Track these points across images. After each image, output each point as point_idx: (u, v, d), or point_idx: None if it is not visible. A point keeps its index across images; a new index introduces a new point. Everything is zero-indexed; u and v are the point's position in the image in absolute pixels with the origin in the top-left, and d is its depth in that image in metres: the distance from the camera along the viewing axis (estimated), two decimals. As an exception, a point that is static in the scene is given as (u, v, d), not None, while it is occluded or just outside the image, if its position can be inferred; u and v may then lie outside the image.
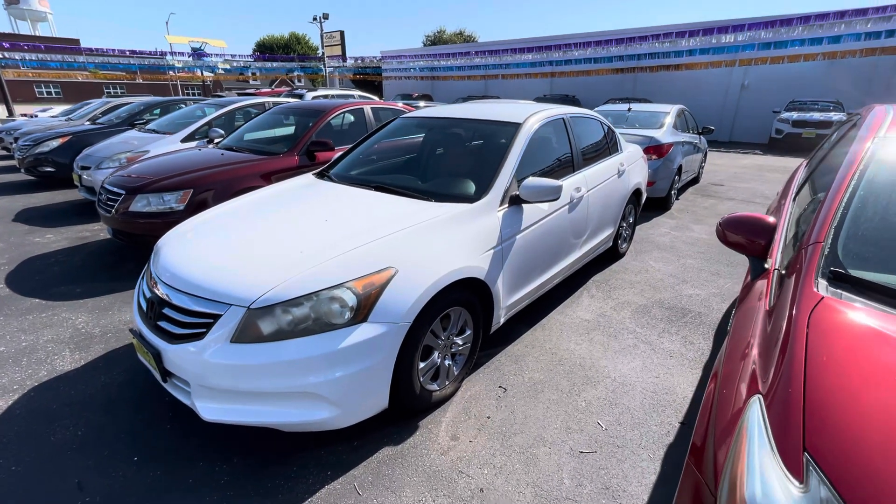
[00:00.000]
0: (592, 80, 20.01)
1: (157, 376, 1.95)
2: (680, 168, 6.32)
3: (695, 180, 8.29)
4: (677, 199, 6.93)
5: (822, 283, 1.23)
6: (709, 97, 17.62)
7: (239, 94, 12.96)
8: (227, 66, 32.11)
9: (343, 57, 31.23)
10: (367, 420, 1.96)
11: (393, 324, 1.86)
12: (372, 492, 1.80)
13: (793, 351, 1.06)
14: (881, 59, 14.09)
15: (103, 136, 7.36)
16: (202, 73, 32.71)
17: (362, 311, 1.81)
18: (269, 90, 15.52)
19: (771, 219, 1.63)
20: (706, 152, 8.66)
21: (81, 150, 7.13)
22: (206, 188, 3.90)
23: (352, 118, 5.24)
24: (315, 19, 29.07)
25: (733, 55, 15.96)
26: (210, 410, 1.82)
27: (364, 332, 1.80)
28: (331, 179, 3.06)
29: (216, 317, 1.78)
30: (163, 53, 30.21)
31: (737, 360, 1.24)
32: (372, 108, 5.48)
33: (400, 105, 6.04)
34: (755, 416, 0.99)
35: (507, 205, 2.54)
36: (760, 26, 15.20)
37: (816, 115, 12.84)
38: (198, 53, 29.28)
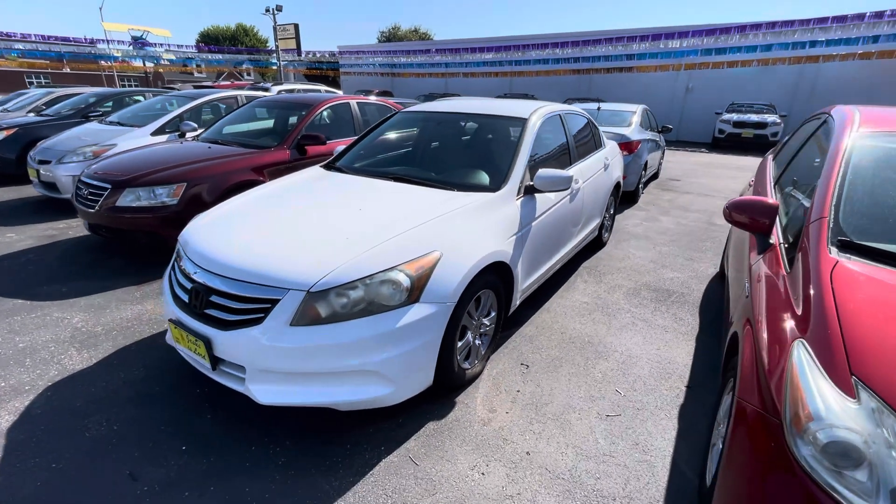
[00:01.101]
0: (551, 79, 20.71)
1: (206, 364, 1.96)
2: (646, 164, 6.79)
3: (655, 176, 8.88)
4: (642, 192, 7.42)
5: (833, 249, 1.49)
6: (658, 98, 18.73)
7: (196, 87, 12.37)
8: (173, 57, 30.25)
9: (298, 51, 30.34)
10: (406, 399, 2.05)
11: (441, 304, 1.98)
12: (428, 461, 1.92)
13: (823, 302, 1.30)
14: (805, 66, 15.62)
15: (55, 128, 6.84)
16: (144, 64, 30.63)
17: (415, 292, 1.92)
18: (229, 83, 14.89)
19: (772, 201, 1.89)
20: (664, 149, 9.29)
21: (29, 144, 6.62)
22: (200, 182, 3.80)
23: (339, 112, 5.23)
24: (267, 11, 28.04)
25: (679, 60, 17.11)
26: (267, 393, 1.86)
27: (417, 312, 1.90)
28: (343, 171, 3.11)
29: (273, 301, 1.83)
30: (93, 41, 27.92)
31: (768, 315, 1.47)
32: (358, 102, 5.49)
33: (386, 101, 6.07)
34: (803, 355, 1.21)
35: (522, 195, 2.72)
36: (703, 33, 16.40)
37: (753, 117, 14.04)
38: (139, 42, 27.38)
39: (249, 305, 1.87)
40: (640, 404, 2.32)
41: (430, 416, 2.19)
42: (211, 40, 49.17)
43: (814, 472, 1.03)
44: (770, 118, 13.79)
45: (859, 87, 15.28)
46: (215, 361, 1.94)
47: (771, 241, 1.89)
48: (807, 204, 1.83)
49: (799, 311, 1.36)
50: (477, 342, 2.44)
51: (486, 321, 2.48)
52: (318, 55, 31.72)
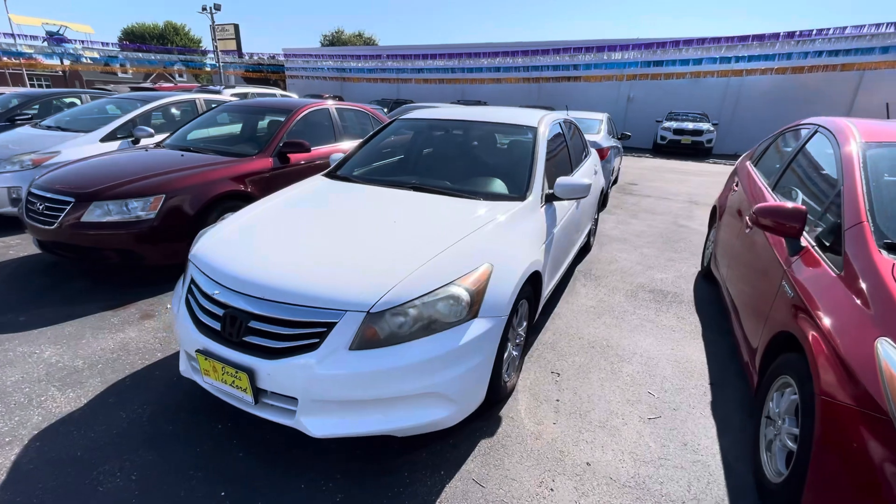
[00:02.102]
0: (502, 87, 21.22)
1: (247, 398, 1.77)
2: (613, 169, 7.11)
3: (615, 181, 9.34)
4: (609, 197, 7.76)
5: (883, 252, 1.61)
6: (603, 107, 19.67)
7: (133, 90, 11.38)
8: (96, 55, 27.68)
9: (239, 52, 28.94)
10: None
11: (497, 317, 1.92)
12: (492, 482, 1.85)
13: (894, 300, 1.40)
14: (731, 79, 17.17)
15: (-26, 133, 5.98)
16: (62, 62, 27.76)
17: (474, 306, 1.85)
18: (171, 85, 13.86)
19: (802, 206, 2.02)
20: (622, 155, 9.80)
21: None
22: (179, 193, 3.47)
23: (318, 118, 5.00)
24: (204, 10, 26.50)
25: (621, 71, 18.19)
26: (322, 426, 1.72)
27: (477, 327, 1.84)
28: (352, 180, 2.96)
29: (329, 325, 1.69)
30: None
31: (836, 317, 1.56)
32: (337, 108, 5.29)
33: (364, 107, 5.90)
34: (892, 351, 1.29)
35: (544, 203, 2.73)
36: (642, 47, 17.55)
37: (690, 125, 15.21)
38: (56, 39, 24.74)
39: (300, 331, 1.71)
40: (675, 404, 2.39)
41: (480, 433, 2.12)
42: (136, 38, 45.55)
43: None
44: (705, 126, 14.99)
45: (776, 99, 17.04)
46: (257, 394, 1.75)
47: (803, 245, 2.02)
48: (818, 208, 1.98)
49: (871, 311, 1.45)
50: (514, 353, 2.40)
51: (520, 331, 2.45)
52: (257, 57, 30.36)
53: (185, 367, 2.05)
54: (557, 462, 1.97)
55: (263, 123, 4.84)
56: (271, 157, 4.25)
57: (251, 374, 1.71)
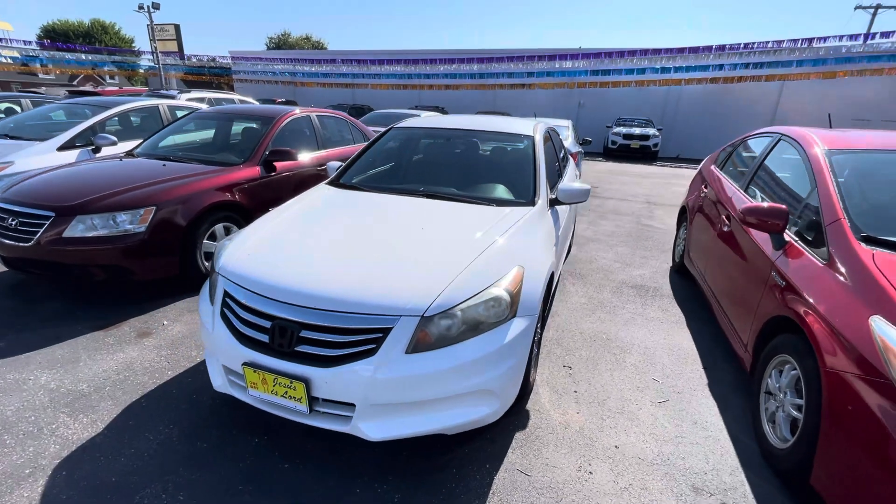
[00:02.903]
0: (458, 93, 21.58)
1: (301, 408, 1.78)
2: (579, 174, 7.50)
3: (577, 183, 9.82)
4: (575, 199, 8.16)
5: (862, 244, 1.90)
6: (555, 113, 20.60)
7: (72, 93, 10.56)
8: (16, 54, 25.25)
9: (181, 54, 27.47)
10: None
11: (531, 316, 2.05)
12: (537, 471, 1.97)
13: (879, 284, 1.67)
14: (671, 88, 18.50)
15: None
16: (-26, 61, 25.07)
17: (513, 307, 1.96)
18: (115, 89, 12.95)
19: (784, 206, 2.32)
20: (583, 160, 10.32)
21: None
22: (170, 204, 3.34)
23: (300, 126, 4.94)
24: (141, 8, 24.97)
25: (572, 78, 19.08)
26: (378, 429, 1.77)
27: (517, 326, 1.96)
28: (360, 189, 2.99)
29: (384, 330, 1.74)
30: None
31: (829, 300, 1.82)
32: (318, 115, 5.25)
33: (340, 113, 5.87)
34: (885, 326, 1.54)
35: (549, 207, 2.90)
36: (590, 56, 18.52)
37: (637, 130, 16.22)
38: (-33, 35, 22.31)
39: (355, 337, 1.75)
40: (678, 388, 2.62)
41: (513, 427, 2.23)
42: (58, 36, 42.00)
43: None
44: (651, 131, 16.05)
45: (711, 105, 18.56)
46: (311, 403, 1.77)
47: (786, 240, 2.31)
48: (794, 208, 2.29)
49: (860, 294, 1.72)
50: (535, 350, 2.54)
51: (538, 328, 2.60)
52: (195, 59, 28.85)
53: (220, 382, 2.01)
54: (589, 447, 2.12)
55: (243, 131, 4.71)
56: (258, 165, 4.16)
57: (307, 383, 1.73)
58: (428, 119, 3.85)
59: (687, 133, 19.62)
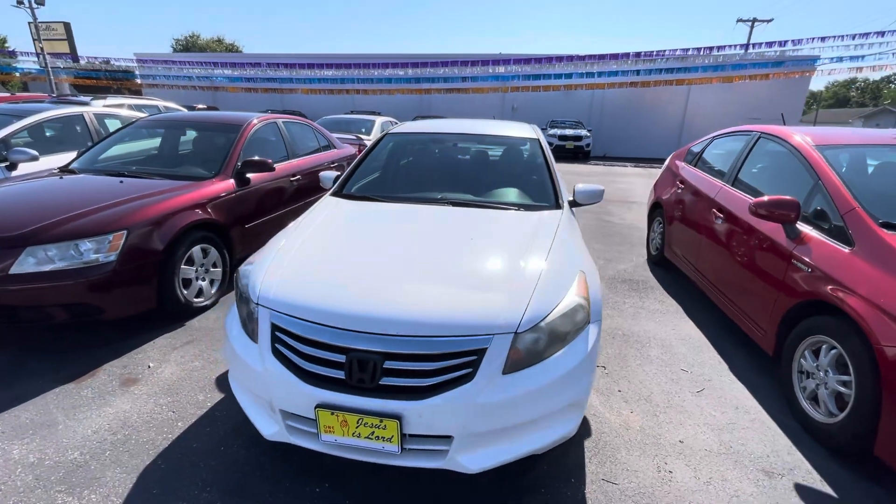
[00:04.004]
0: (394, 98, 21.38)
1: (391, 449, 1.59)
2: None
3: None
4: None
5: (882, 230, 2.10)
6: (490, 116, 21.23)
7: (-52, 99, 8.87)
8: None
9: (74, 56, 24.35)
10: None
11: (599, 320, 2.02)
12: (622, 478, 1.94)
13: (917, 267, 1.85)
14: (596, 92, 19.81)
15: None
16: None
17: (588, 314, 1.92)
18: (6, 95, 11.12)
19: (795, 198, 2.51)
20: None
21: None
22: (142, 227, 2.89)
23: (267, 133, 4.54)
24: (21, 3, 21.78)
25: (505, 83, 19.71)
26: (477, 460, 1.63)
27: (592, 332, 1.91)
28: (374, 199, 2.79)
29: (479, 352, 1.61)
30: None
31: (865, 282, 1.98)
32: (284, 122, 4.86)
33: (304, 119, 5.49)
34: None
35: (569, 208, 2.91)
36: (522, 62, 19.26)
37: (570, 132, 17.14)
38: None
39: (448, 363, 1.60)
40: (707, 376, 2.74)
41: (579, 436, 2.19)
42: None
43: None
44: (583, 132, 17.05)
45: (631, 108, 20.14)
46: (402, 441, 1.59)
47: (799, 230, 2.51)
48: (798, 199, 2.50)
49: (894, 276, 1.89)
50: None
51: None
52: (90, 62, 25.67)
53: (275, 430, 1.74)
54: (657, 446, 2.14)
55: (206, 141, 4.23)
56: (231, 178, 3.75)
57: (399, 419, 1.55)
58: (421, 125, 3.70)
59: (611, 133, 21.12)
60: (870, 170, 2.70)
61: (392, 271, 1.91)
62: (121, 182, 3.34)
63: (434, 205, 2.67)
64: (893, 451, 1.80)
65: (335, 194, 2.95)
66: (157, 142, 4.47)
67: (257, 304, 1.82)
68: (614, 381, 2.66)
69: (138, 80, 25.20)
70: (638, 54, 17.77)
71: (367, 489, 1.84)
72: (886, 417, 1.80)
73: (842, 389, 2.07)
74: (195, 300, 3.31)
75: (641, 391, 2.57)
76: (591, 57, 18.08)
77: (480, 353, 1.61)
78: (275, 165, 4.17)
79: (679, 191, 4.29)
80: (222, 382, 2.53)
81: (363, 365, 1.59)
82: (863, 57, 15.44)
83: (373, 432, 1.58)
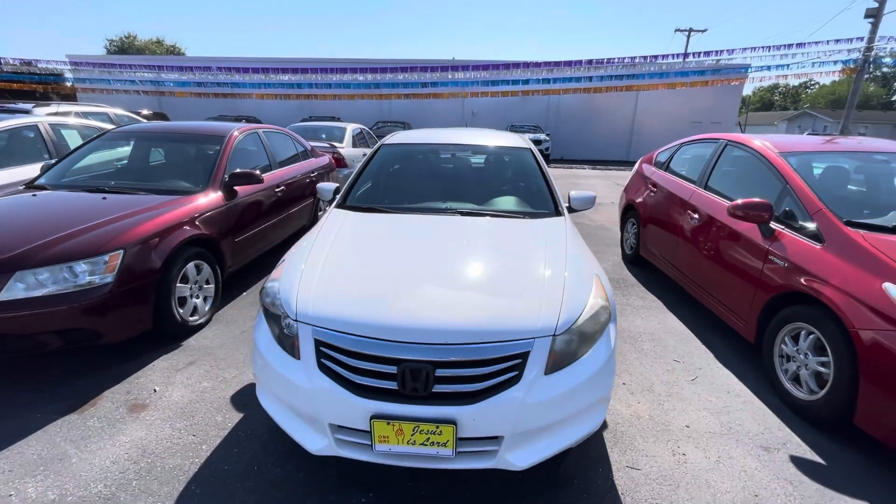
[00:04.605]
0: (354, 103, 21.16)
1: (445, 453, 1.65)
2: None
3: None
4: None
5: (847, 227, 2.40)
6: (452, 122, 21.49)
7: None
8: None
9: (-6, 57, 22.26)
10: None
11: (615, 319, 2.18)
12: (643, 464, 2.10)
13: (881, 259, 2.14)
14: (552, 97, 20.55)
15: None
16: None
17: (609, 314, 2.07)
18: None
19: (768, 200, 2.80)
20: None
21: None
22: (139, 245, 2.77)
23: (248, 144, 4.43)
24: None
25: (465, 88, 19.99)
26: (524, 457, 1.74)
27: (612, 331, 2.06)
28: (383, 211, 2.83)
29: (523, 355, 1.71)
30: None
31: (836, 275, 2.27)
32: (264, 131, 4.77)
33: (281, 128, 5.38)
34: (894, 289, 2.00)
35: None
36: (480, 68, 19.65)
37: (530, 135, 17.67)
38: None
39: (496, 367, 1.69)
40: (697, 365, 2.99)
41: (598, 430, 2.33)
42: None
43: None
44: (542, 136, 17.65)
45: (585, 113, 21.05)
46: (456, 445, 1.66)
47: (773, 228, 2.80)
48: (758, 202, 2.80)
49: (866, 269, 2.18)
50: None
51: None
52: (9, 63, 23.50)
53: (323, 445, 1.76)
54: (667, 432, 2.33)
55: (187, 152, 4.08)
56: (220, 191, 3.66)
57: (455, 424, 1.62)
58: (414, 135, 3.77)
59: (568, 137, 21.96)
60: (826, 174, 3.05)
61: (424, 282, 1.97)
62: (104, 198, 3.18)
63: (442, 215, 2.76)
64: (871, 420, 2.07)
65: (341, 206, 2.96)
66: (125, 154, 4.26)
67: (296, 320, 1.84)
68: (617, 374, 2.85)
69: (69, 84, 23.42)
70: (590, 61, 18.61)
71: (411, 495, 1.89)
72: (864, 391, 2.08)
73: (821, 369, 2.34)
74: (190, 318, 3.20)
75: (643, 382, 2.77)
76: (546, 64, 18.73)
77: (524, 356, 1.72)
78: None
79: (652, 194, 4.60)
80: (238, 401, 2.48)
81: (416, 374, 1.65)
82: (788, 66, 17.02)
83: (428, 438, 1.64)
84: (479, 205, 2.99)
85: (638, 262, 4.97)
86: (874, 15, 16.31)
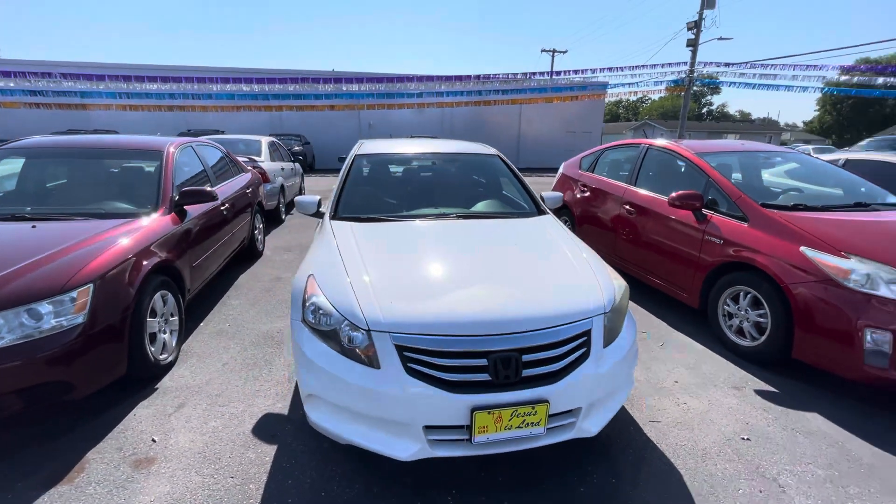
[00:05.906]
0: (240, 115, 19.62)
1: (537, 431, 1.79)
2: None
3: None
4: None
5: (763, 209, 3.10)
6: (347, 133, 21.20)
7: None
8: None
9: None
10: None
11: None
12: (661, 416, 2.47)
13: (794, 229, 2.84)
14: (445, 109, 21.46)
15: None
16: None
17: (628, 292, 2.40)
18: None
19: (699, 192, 3.46)
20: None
21: None
22: (108, 277, 2.38)
23: (185, 159, 3.97)
24: None
25: (360, 101, 19.86)
26: (596, 422, 1.96)
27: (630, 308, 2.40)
28: (381, 220, 2.83)
29: (586, 333, 1.93)
30: None
31: (766, 244, 2.93)
32: (196, 144, 4.31)
33: (209, 141, 4.88)
34: (811, 252, 2.68)
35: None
36: (374, 80, 19.71)
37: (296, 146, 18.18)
38: None
39: (569, 346, 1.88)
40: (660, 335, 3.53)
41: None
42: None
43: (857, 286, 2.47)
44: (298, 147, 18.21)
45: (475, 124, 22.40)
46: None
47: (705, 213, 3.46)
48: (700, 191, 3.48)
49: (785, 238, 2.86)
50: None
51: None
52: None
53: (416, 450, 1.76)
54: (662, 389, 2.75)
55: (113, 171, 3.53)
56: (172, 211, 3.26)
57: (547, 402, 1.77)
58: (381, 144, 3.79)
59: (462, 147, 23.04)
60: (733, 168, 3.86)
61: (476, 279, 2.09)
62: (33, 227, 2.64)
63: (442, 219, 2.87)
64: (807, 352, 2.72)
65: (335, 218, 2.89)
66: (19, 173, 3.53)
67: (367, 330, 1.81)
68: (604, 350, 3.23)
69: None
70: (478, 77, 19.94)
71: (488, 483, 1.97)
72: (798, 330, 2.72)
73: (760, 320, 2.99)
74: (161, 357, 2.81)
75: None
76: (439, 78, 19.57)
77: (587, 333, 1.94)
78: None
79: (583, 193, 5.22)
80: (263, 434, 2.29)
81: (506, 363, 1.76)
82: (637, 83, 20.29)
83: (524, 420, 1.77)
84: (469, 208, 3.16)
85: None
86: (693, 44, 20.29)
